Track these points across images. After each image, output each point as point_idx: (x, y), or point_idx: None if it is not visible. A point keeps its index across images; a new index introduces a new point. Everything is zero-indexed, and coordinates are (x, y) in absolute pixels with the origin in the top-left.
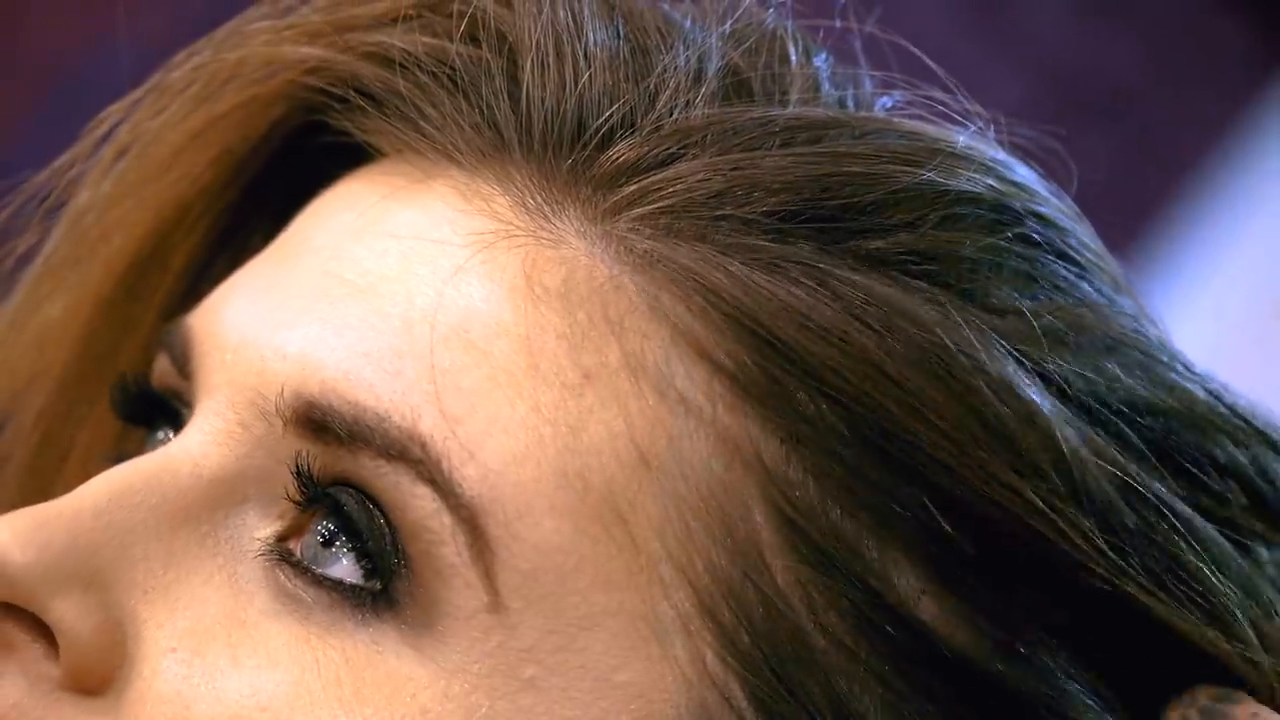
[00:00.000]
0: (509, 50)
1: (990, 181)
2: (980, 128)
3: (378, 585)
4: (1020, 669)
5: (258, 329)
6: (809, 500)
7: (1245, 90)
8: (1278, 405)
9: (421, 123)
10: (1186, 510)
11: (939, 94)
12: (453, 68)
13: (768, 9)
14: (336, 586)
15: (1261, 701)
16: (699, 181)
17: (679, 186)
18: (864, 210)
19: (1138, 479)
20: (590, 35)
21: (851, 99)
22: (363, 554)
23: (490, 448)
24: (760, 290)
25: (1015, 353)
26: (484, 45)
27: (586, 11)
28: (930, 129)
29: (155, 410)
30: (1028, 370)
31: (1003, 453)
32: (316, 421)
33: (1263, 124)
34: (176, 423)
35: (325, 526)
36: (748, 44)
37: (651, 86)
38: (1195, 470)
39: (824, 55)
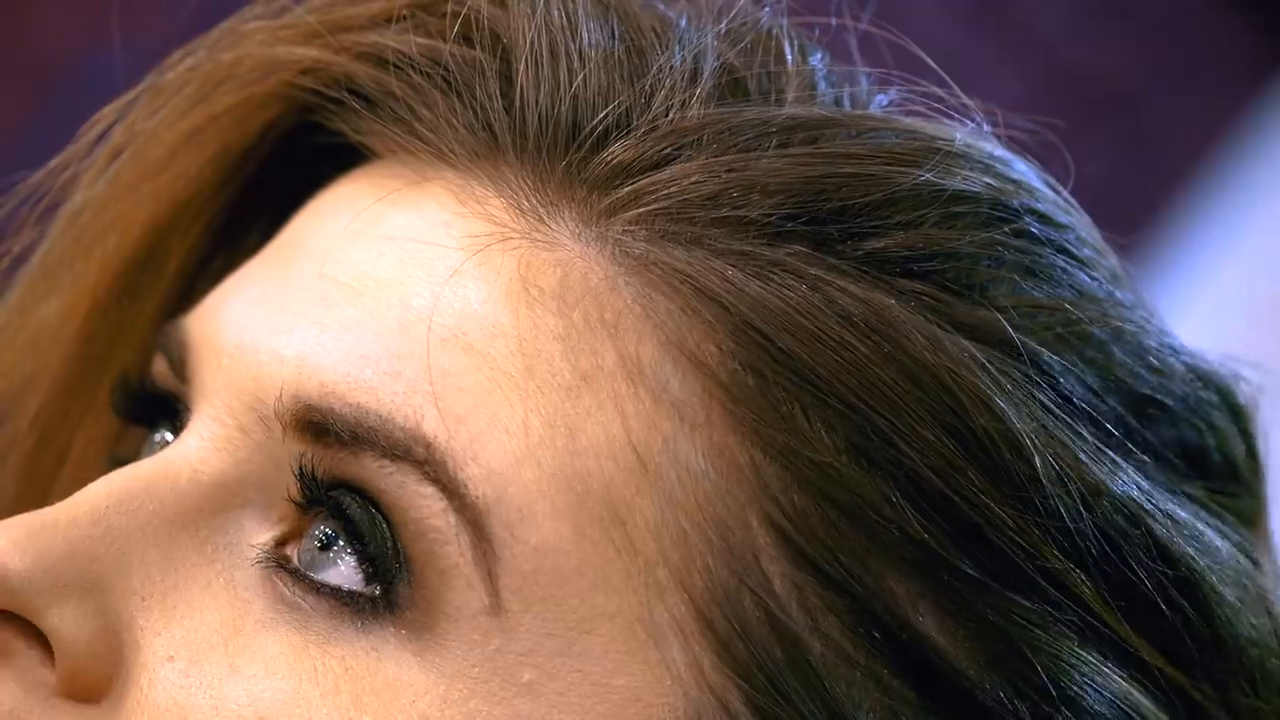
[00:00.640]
0: (503, 51)
1: (988, 179)
2: (977, 123)
3: (377, 589)
4: (1016, 681)
5: (255, 333)
6: (803, 510)
7: (1245, 90)
8: (1276, 403)
9: (415, 124)
10: (1177, 516)
11: (935, 89)
12: (446, 68)
13: (763, 8)
14: (335, 594)
15: None
16: (694, 183)
17: (674, 188)
18: (861, 211)
19: (1130, 500)
20: (585, 35)
21: (848, 97)
22: (365, 557)
23: (492, 449)
24: (754, 295)
25: (1012, 351)
26: (478, 46)
27: (581, 11)
28: (928, 126)
29: (156, 410)
30: (1022, 373)
31: (988, 473)
32: (317, 424)
33: (1263, 124)
34: (177, 422)
35: (323, 530)
36: (743, 43)
37: (647, 87)
38: (1198, 471)
39: (820, 54)
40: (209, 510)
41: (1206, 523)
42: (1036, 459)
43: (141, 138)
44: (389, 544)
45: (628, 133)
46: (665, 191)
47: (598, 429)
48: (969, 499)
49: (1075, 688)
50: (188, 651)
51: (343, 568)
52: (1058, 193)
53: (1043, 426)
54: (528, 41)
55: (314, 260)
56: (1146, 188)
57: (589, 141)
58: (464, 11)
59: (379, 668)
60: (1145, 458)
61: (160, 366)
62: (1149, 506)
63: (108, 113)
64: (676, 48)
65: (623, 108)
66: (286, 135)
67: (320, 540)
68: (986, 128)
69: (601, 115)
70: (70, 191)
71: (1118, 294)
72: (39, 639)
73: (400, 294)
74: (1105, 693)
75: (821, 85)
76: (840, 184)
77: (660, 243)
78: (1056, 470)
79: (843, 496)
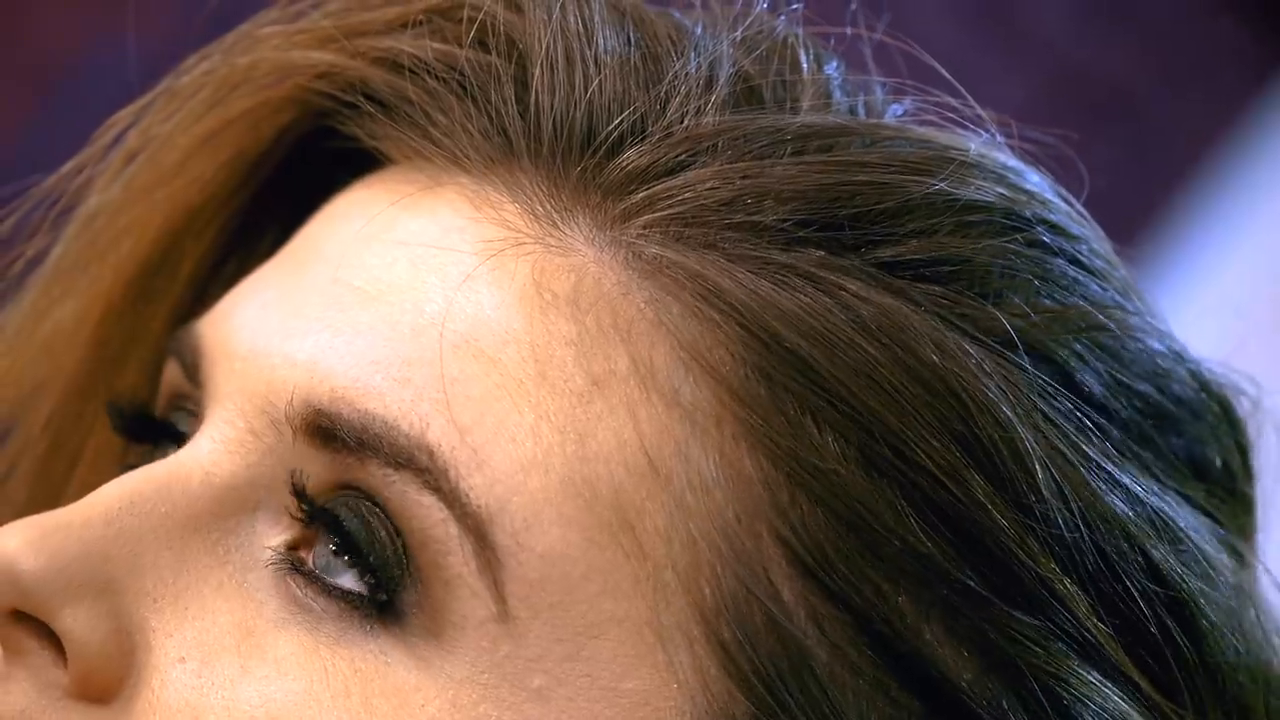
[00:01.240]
0: (518, 56)
1: (1001, 189)
2: (991, 133)
3: (384, 596)
4: (1018, 697)
5: (268, 337)
6: (810, 521)
7: (1247, 91)
8: (1275, 404)
9: (430, 129)
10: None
11: (950, 100)
12: (462, 73)
13: (778, 16)
14: (346, 596)
15: None
16: (709, 189)
17: (689, 194)
18: (875, 219)
19: (1128, 517)
20: (601, 41)
21: (862, 106)
22: (365, 569)
23: (498, 456)
24: (767, 297)
25: (1021, 360)
26: (493, 51)
27: (597, 18)
28: (942, 136)
29: (155, 432)
30: (1030, 382)
31: (992, 480)
32: (325, 429)
33: (1263, 123)
34: (179, 442)
35: (334, 539)
36: (759, 51)
37: (662, 93)
38: (1201, 482)
39: (835, 62)
40: (221, 512)
41: (1206, 538)
42: (1038, 469)
43: (156, 142)
44: (390, 553)
45: (642, 139)
46: (680, 197)
47: (609, 434)
48: (972, 506)
49: (1075, 705)
50: (200, 652)
51: (352, 574)
52: (1070, 204)
53: (1045, 436)
54: (543, 47)
55: (328, 265)
56: (1149, 189)
57: (604, 147)
58: (480, 17)
59: (388, 671)
60: (1149, 470)
61: (172, 371)
62: (1147, 523)
63: (123, 116)
64: (692, 54)
65: (638, 114)
66: (301, 140)
67: (335, 546)
68: (1000, 138)
69: (616, 121)
70: (84, 195)
71: (1128, 304)
72: (52, 640)
73: (413, 299)
74: (1105, 713)
75: (837, 94)
76: (854, 192)
77: (674, 246)
78: (1057, 481)
79: (849, 507)
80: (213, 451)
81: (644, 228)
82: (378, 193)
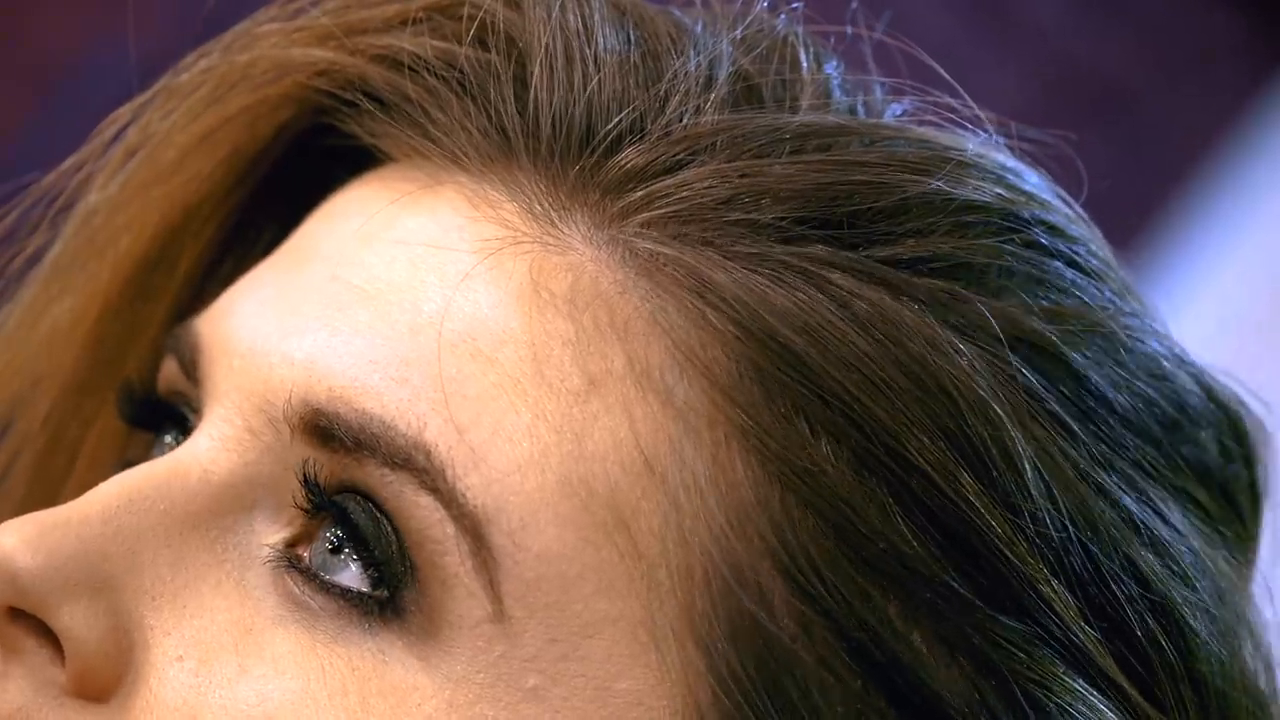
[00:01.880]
0: (518, 55)
1: (999, 190)
2: (990, 133)
3: (385, 593)
4: (1004, 706)
5: (266, 335)
6: (799, 525)
7: (1245, 88)
8: (1275, 403)
9: (429, 127)
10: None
11: (949, 100)
12: (461, 71)
13: (779, 15)
14: (344, 594)
15: None
16: (707, 187)
17: (687, 192)
18: (873, 218)
19: (1116, 521)
20: (600, 40)
21: (862, 106)
22: (370, 562)
23: (495, 456)
24: (762, 293)
25: (1016, 360)
26: (493, 49)
27: (597, 16)
28: (942, 136)
29: (161, 416)
30: (1024, 383)
31: (981, 479)
32: (323, 429)
33: (1262, 123)
34: (184, 428)
35: (334, 533)
36: (758, 50)
37: (661, 92)
38: (1199, 488)
39: (835, 62)
40: (219, 510)
41: (1198, 545)
42: (1028, 468)
43: (155, 139)
44: (395, 550)
45: (641, 138)
46: (678, 195)
47: (605, 433)
48: (961, 505)
49: (1060, 713)
50: (198, 651)
51: (353, 570)
52: (1069, 205)
53: (1035, 437)
54: (543, 45)
55: (326, 263)
56: (1146, 186)
57: (602, 146)
58: (480, 15)
59: (385, 670)
60: (1145, 474)
61: (170, 369)
62: (1138, 528)
63: (122, 113)
64: (692, 53)
65: (637, 113)
66: (300, 137)
67: (331, 543)
68: (999, 139)
69: (615, 120)
70: (83, 192)
71: (1126, 307)
72: (49, 638)
73: (412, 298)
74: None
75: (836, 93)
76: (852, 190)
77: (670, 243)
78: (1046, 482)
79: (837, 510)
80: (211, 449)
81: (641, 226)
82: (376, 191)
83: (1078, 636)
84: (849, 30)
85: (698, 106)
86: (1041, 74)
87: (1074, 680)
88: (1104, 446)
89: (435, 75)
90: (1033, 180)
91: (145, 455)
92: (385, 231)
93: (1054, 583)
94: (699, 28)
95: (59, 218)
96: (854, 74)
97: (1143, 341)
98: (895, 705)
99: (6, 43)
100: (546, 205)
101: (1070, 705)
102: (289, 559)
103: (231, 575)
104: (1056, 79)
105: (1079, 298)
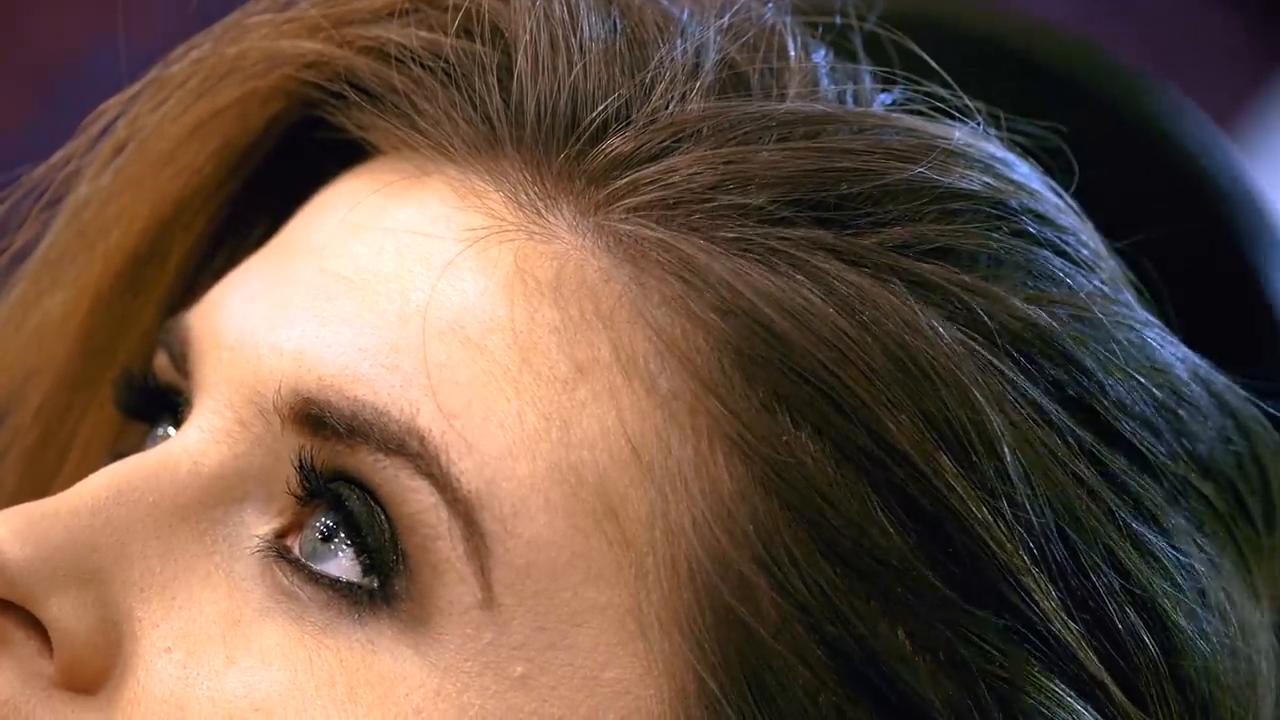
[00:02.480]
0: (503, 44)
1: (987, 178)
2: (979, 124)
3: (375, 582)
4: (982, 702)
5: (255, 327)
6: (781, 521)
7: (1245, 90)
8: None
9: (416, 118)
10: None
11: (939, 89)
12: (447, 61)
13: (766, 4)
14: (333, 584)
15: None
16: (692, 174)
17: (672, 179)
18: (858, 204)
19: (1097, 511)
20: (585, 28)
21: (850, 95)
22: (362, 549)
23: (486, 442)
24: (745, 276)
25: (1000, 345)
26: (478, 39)
27: (583, 4)
28: (929, 125)
29: (158, 405)
30: (1008, 368)
31: (960, 463)
32: (314, 417)
33: (1262, 124)
34: (178, 418)
35: (325, 522)
36: (746, 38)
37: (647, 79)
38: (1196, 481)
39: (823, 51)
40: (209, 502)
41: (1187, 540)
42: (1008, 453)
43: (145, 131)
44: (387, 537)
45: (626, 125)
46: (663, 182)
47: (593, 421)
48: (941, 489)
49: (1036, 712)
50: (186, 643)
51: (343, 559)
52: (1059, 195)
53: (1014, 422)
54: (528, 34)
55: (315, 255)
56: None
57: (587, 134)
58: (465, 5)
59: (374, 660)
60: (1134, 464)
61: (161, 362)
62: (1122, 520)
63: (111, 106)
64: (678, 41)
65: (622, 100)
66: (290, 130)
67: (321, 532)
68: (991, 131)
69: (600, 108)
70: (73, 186)
71: (1117, 297)
72: (38, 629)
73: (399, 287)
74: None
75: (824, 82)
76: (839, 177)
77: (655, 228)
78: (1025, 467)
79: (813, 504)
80: (201, 441)
81: (626, 212)
82: (364, 183)
83: (1058, 630)
84: (838, 20)
85: (683, 94)
86: None
87: (1051, 680)
88: (1091, 434)
89: (422, 66)
90: (1022, 170)
91: (139, 447)
92: (373, 222)
93: (1035, 572)
94: (686, 16)
95: (49, 211)
96: (844, 64)
97: (1135, 331)
98: (873, 702)
99: (6, 43)
100: (532, 194)
101: (1045, 707)
102: (277, 549)
103: (220, 567)
104: None
105: (1067, 286)
